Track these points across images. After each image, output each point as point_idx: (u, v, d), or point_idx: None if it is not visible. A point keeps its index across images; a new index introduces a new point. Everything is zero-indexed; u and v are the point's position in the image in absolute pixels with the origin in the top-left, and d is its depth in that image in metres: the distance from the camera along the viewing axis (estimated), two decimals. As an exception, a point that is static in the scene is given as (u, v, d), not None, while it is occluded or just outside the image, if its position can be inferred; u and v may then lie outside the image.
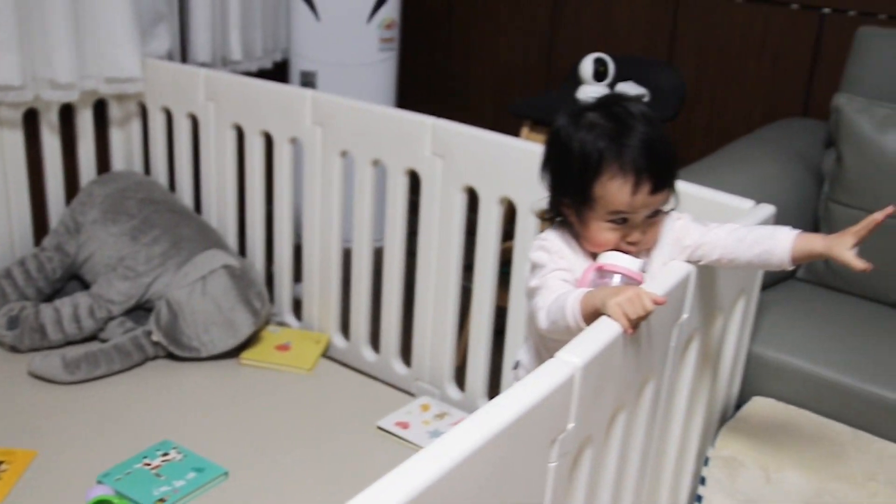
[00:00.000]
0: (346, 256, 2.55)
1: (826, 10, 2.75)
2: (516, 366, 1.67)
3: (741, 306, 1.78)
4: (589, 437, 1.23)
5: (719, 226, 1.49)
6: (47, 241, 2.70)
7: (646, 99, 2.63)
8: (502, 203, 2.16)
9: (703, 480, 1.79)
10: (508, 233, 2.21)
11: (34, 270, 2.64)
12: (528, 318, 1.55)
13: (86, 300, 2.54)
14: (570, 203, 1.46)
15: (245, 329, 2.49)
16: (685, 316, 1.48)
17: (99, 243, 2.63)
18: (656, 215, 1.44)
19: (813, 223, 2.28)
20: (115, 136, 2.91)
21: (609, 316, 1.25)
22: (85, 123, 2.82)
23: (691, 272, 1.45)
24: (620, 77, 2.65)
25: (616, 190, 1.39)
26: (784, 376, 1.93)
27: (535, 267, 1.49)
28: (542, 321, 1.40)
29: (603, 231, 1.43)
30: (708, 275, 1.53)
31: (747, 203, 1.77)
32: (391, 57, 3.22)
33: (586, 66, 2.56)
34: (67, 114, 2.79)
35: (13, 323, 2.48)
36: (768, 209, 1.76)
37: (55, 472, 2.05)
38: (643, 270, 1.41)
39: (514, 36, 3.49)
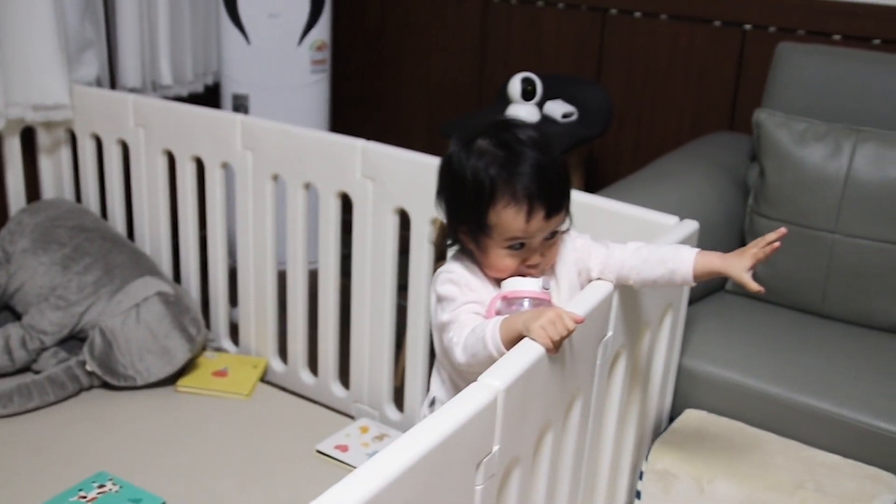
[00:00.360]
0: (282, 279, 2.54)
1: (747, 27, 2.81)
2: (432, 402, 1.63)
3: (669, 321, 1.81)
4: (516, 457, 1.24)
5: (622, 246, 1.51)
6: (-24, 273, 2.67)
7: (574, 117, 2.67)
8: (434, 224, 2.17)
9: (638, 494, 1.81)
10: (443, 251, 2.22)
11: (-37, 303, 2.60)
12: (440, 352, 1.55)
13: (17, 331, 2.51)
14: (467, 231, 1.47)
15: (181, 356, 2.47)
16: (610, 333, 1.50)
17: (30, 273, 2.60)
18: (554, 237, 1.46)
19: (739, 236, 2.32)
20: (45, 164, 2.88)
21: (533, 339, 1.26)
22: (13, 151, 2.78)
23: (614, 290, 1.47)
24: (548, 95, 2.68)
25: (511, 218, 1.41)
26: (715, 388, 1.97)
27: (443, 300, 1.49)
28: (460, 356, 1.40)
29: (502, 258, 1.44)
30: (632, 292, 1.56)
31: (671, 219, 1.81)
32: (323, 79, 3.23)
33: (514, 85, 2.59)
34: (-6, 142, 2.76)
35: (-58, 357, 2.44)
36: (692, 225, 1.79)
37: (-13, 509, 2.02)
38: (546, 288, 1.43)
39: (445, 56, 3.51)
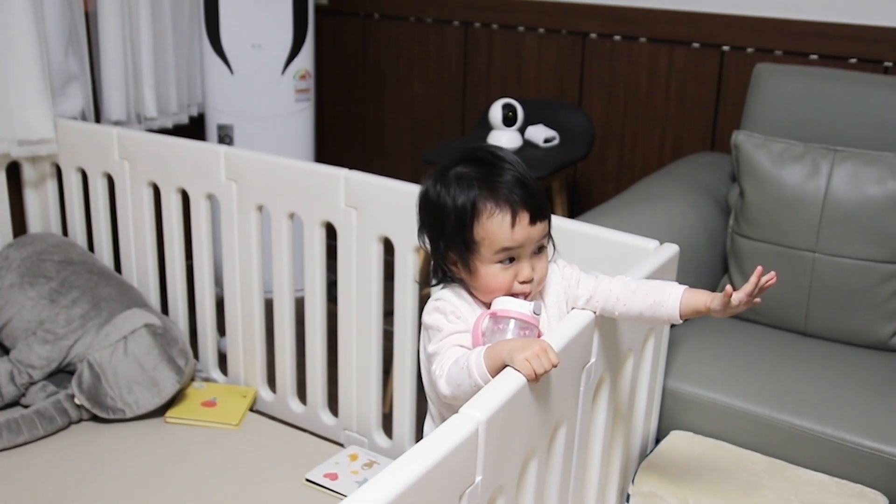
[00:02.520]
0: (269, 307, 2.55)
1: (725, 48, 2.85)
2: None
3: (651, 344, 1.83)
4: (500, 486, 1.25)
5: (609, 278, 1.52)
6: (-37, 308, 2.67)
7: (556, 141, 2.70)
8: (418, 252, 2.19)
9: (624, 517, 1.83)
10: (428, 279, 2.23)
11: (-49, 338, 2.60)
12: (427, 386, 1.55)
13: (5, 366, 2.51)
14: (455, 257, 1.47)
15: (169, 387, 2.47)
16: (593, 360, 1.52)
17: (17, 307, 2.60)
18: (541, 251, 1.47)
19: (721, 256, 2.35)
20: (30, 198, 2.89)
21: (516, 370, 1.27)
22: (-2, 186, 2.80)
23: (594, 318, 1.49)
24: (530, 121, 2.71)
25: (497, 227, 1.42)
26: (700, 409, 1.98)
27: (429, 329, 1.49)
28: (444, 388, 1.40)
29: (494, 274, 1.44)
30: (613, 318, 1.57)
31: (651, 243, 1.82)
32: (307, 107, 3.25)
33: (495, 111, 2.61)
34: (-20, 177, 2.76)
35: (-70, 394, 2.44)
36: (672, 249, 1.81)
37: (-24, 547, 2.02)
38: (536, 313, 1.43)
39: (427, 82, 3.54)
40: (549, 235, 1.49)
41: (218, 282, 2.72)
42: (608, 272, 1.79)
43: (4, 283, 2.65)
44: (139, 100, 3.12)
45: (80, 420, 2.49)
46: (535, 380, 1.27)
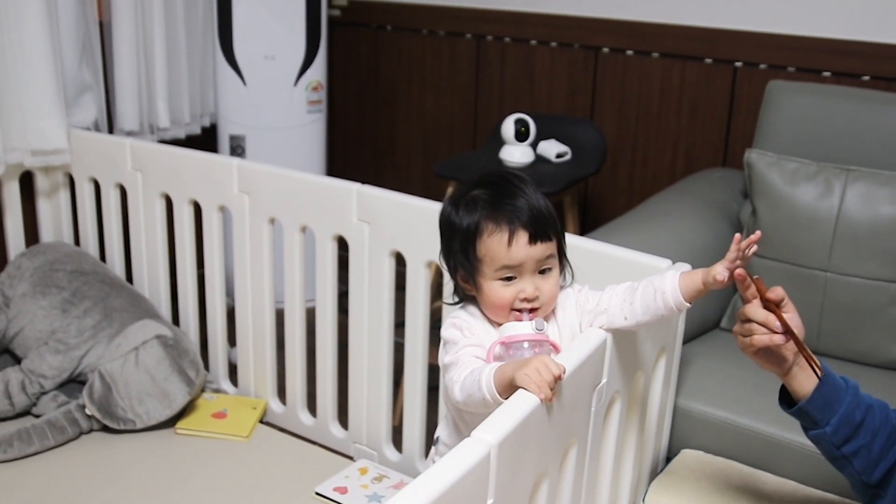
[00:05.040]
0: (280, 317, 2.56)
1: (738, 64, 2.85)
2: (436, 441, 1.71)
3: (663, 364, 1.82)
4: (511, 509, 1.26)
5: (614, 287, 1.56)
6: (-24, 317, 2.68)
7: (568, 156, 2.70)
8: (429, 267, 2.19)
9: (634, 536, 1.82)
10: (440, 289, 2.23)
11: (-37, 347, 2.62)
12: (443, 393, 1.61)
13: (17, 375, 2.52)
14: (464, 275, 1.55)
15: (180, 399, 2.48)
16: (604, 380, 1.52)
17: (29, 317, 2.61)
18: (546, 272, 1.51)
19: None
20: (43, 208, 2.90)
21: (523, 388, 1.30)
22: (12, 196, 2.81)
23: (607, 338, 1.49)
24: (542, 135, 2.71)
25: (495, 245, 1.48)
26: (711, 428, 1.98)
27: (447, 343, 1.55)
28: (458, 394, 1.44)
29: (496, 290, 1.50)
30: (625, 338, 1.57)
31: (664, 262, 1.82)
32: (319, 119, 3.26)
33: (508, 126, 2.62)
34: (-7, 187, 2.78)
35: (-58, 402, 2.45)
36: (684, 268, 1.80)
37: (-13, 558, 2.02)
38: (539, 329, 1.48)
39: (439, 95, 3.55)
40: (559, 257, 1.53)
41: (229, 293, 2.72)
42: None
43: (17, 293, 2.66)
44: (152, 110, 3.13)
45: (91, 430, 2.49)
46: (546, 396, 1.29)
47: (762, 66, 2.81)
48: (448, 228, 1.56)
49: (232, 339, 2.73)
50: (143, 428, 2.49)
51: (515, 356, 1.44)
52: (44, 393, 2.53)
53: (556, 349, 1.48)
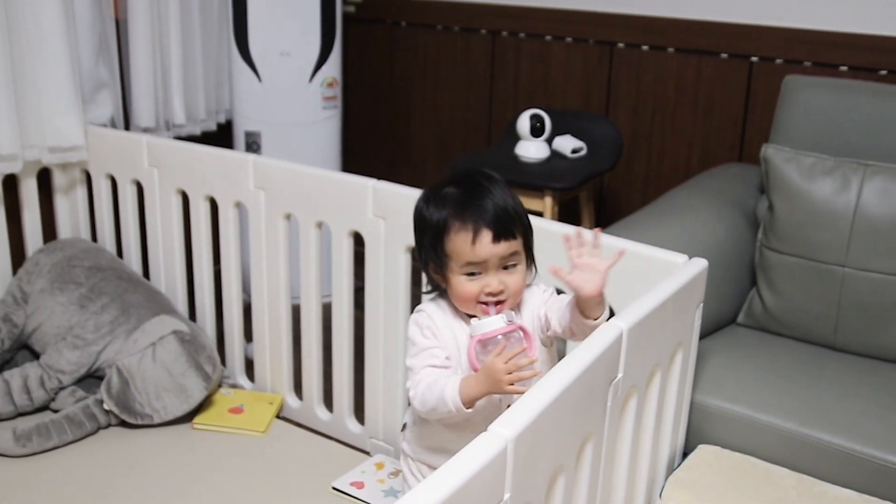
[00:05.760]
0: (296, 313, 2.56)
1: (754, 59, 2.84)
2: (404, 427, 1.81)
3: (680, 358, 1.82)
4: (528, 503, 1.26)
5: (565, 296, 1.63)
6: (-6, 313, 2.70)
7: (583, 152, 2.69)
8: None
9: (650, 531, 1.82)
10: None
11: (-19, 342, 2.63)
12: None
13: (35, 371, 2.53)
14: (434, 268, 1.64)
15: (197, 394, 2.49)
16: (620, 375, 1.52)
17: (47, 313, 2.63)
18: (512, 268, 1.59)
19: (749, 269, 2.34)
20: (61, 204, 2.91)
21: (509, 392, 1.48)
22: (29, 193, 2.82)
23: (622, 332, 1.49)
24: (557, 131, 2.70)
25: (461, 242, 1.57)
26: (728, 424, 1.98)
27: (408, 343, 1.66)
28: (417, 405, 1.57)
29: (462, 284, 1.59)
30: (642, 332, 1.57)
31: (680, 258, 1.82)
32: (334, 115, 3.26)
33: (523, 122, 2.62)
34: (11, 183, 2.79)
35: (-39, 397, 2.47)
36: (700, 263, 1.81)
37: (7, 551, 2.04)
38: (510, 320, 1.56)
39: (454, 91, 3.55)
40: (524, 255, 1.62)
41: (245, 288, 2.73)
42: (636, 286, 1.81)
43: (35, 289, 2.68)
44: (168, 107, 3.14)
45: (109, 425, 2.51)
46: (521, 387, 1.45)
47: (778, 61, 2.80)
48: (420, 223, 1.65)
49: (248, 335, 2.74)
50: (160, 423, 2.50)
51: (490, 350, 1.52)
52: (62, 388, 2.55)
53: (526, 334, 1.57)
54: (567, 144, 2.67)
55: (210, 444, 2.46)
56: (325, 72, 3.18)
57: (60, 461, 2.36)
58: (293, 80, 3.15)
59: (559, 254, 1.96)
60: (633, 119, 3.11)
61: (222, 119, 3.40)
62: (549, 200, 2.53)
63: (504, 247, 1.57)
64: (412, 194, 2.19)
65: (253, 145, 3.19)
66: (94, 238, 2.99)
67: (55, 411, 2.53)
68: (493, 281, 1.58)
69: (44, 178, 2.88)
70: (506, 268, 1.59)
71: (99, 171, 2.85)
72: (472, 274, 1.58)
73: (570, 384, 1.30)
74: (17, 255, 2.84)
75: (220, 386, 2.68)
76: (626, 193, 3.17)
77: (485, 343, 1.54)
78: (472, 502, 1.11)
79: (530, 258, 1.64)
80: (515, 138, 2.68)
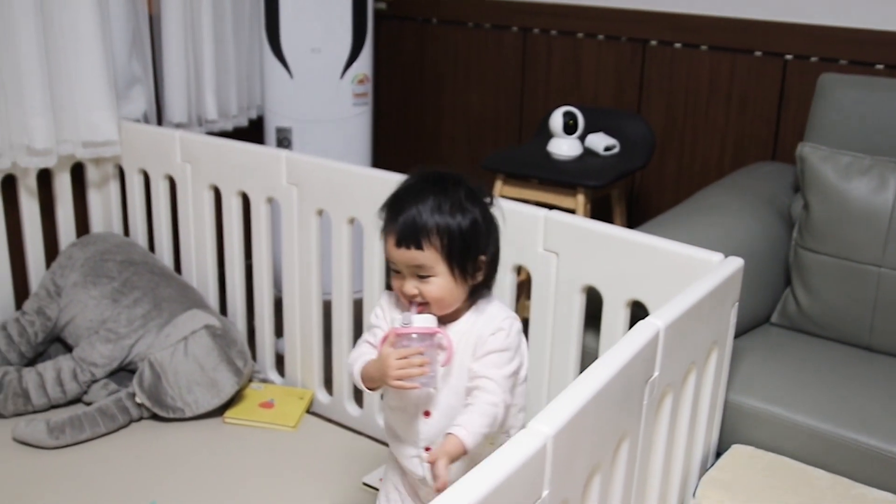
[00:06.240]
0: (327, 308, 2.57)
1: (789, 57, 2.82)
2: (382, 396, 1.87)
3: (715, 357, 1.81)
4: (565, 501, 1.25)
5: (486, 389, 1.56)
6: (28, 305, 2.72)
7: (616, 149, 2.68)
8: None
9: (683, 530, 1.81)
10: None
11: (16, 335, 2.65)
12: None
13: (68, 364, 2.55)
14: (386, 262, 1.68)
15: (228, 388, 2.50)
16: (656, 374, 1.51)
17: (80, 306, 2.65)
18: (425, 278, 1.58)
19: (783, 269, 2.32)
20: (94, 199, 2.93)
21: (395, 386, 1.55)
22: (63, 187, 2.84)
23: (659, 331, 1.48)
24: (590, 128, 2.69)
25: (383, 239, 1.62)
26: (762, 424, 1.96)
27: None
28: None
29: (392, 276, 1.64)
30: (678, 331, 1.56)
31: (716, 256, 1.81)
32: (365, 112, 3.27)
33: (556, 119, 2.61)
34: (45, 178, 2.81)
35: (-4, 389, 2.49)
36: (736, 263, 1.79)
37: (41, 542, 2.06)
38: (405, 323, 1.57)
39: (484, 88, 3.54)
40: (449, 269, 1.58)
41: (276, 284, 2.74)
42: (670, 285, 1.81)
43: (68, 282, 2.70)
44: (200, 102, 3.16)
45: (141, 418, 2.53)
46: (411, 384, 1.54)
47: (813, 59, 2.77)
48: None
49: (279, 330, 2.75)
50: (191, 417, 2.51)
51: (405, 345, 1.56)
52: (94, 381, 2.57)
53: (446, 352, 1.60)
54: (600, 142, 2.66)
55: (241, 439, 2.47)
56: (356, 68, 3.18)
57: (93, 453, 2.38)
58: (324, 76, 3.16)
59: (591, 253, 1.96)
60: (665, 117, 3.09)
61: (254, 115, 3.41)
62: (581, 198, 2.53)
63: (408, 255, 1.57)
64: (445, 191, 2.18)
65: (284, 141, 3.20)
66: (127, 232, 3.00)
67: (88, 404, 2.55)
68: (406, 284, 1.60)
69: (77, 172, 2.90)
70: (420, 276, 1.59)
71: (132, 166, 2.87)
72: (395, 271, 1.62)
73: (608, 382, 1.30)
74: (51, 248, 2.86)
75: (250, 381, 2.69)
76: (658, 192, 3.15)
77: (401, 337, 1.57)
78: (510, 499, 1.11)
79: (466, 276, 1.60)
80: (548, 135, 2.68)
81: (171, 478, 2.29)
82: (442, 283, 1.59)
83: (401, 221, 1.57)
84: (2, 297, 2.77)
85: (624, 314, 1.95)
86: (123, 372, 2.61)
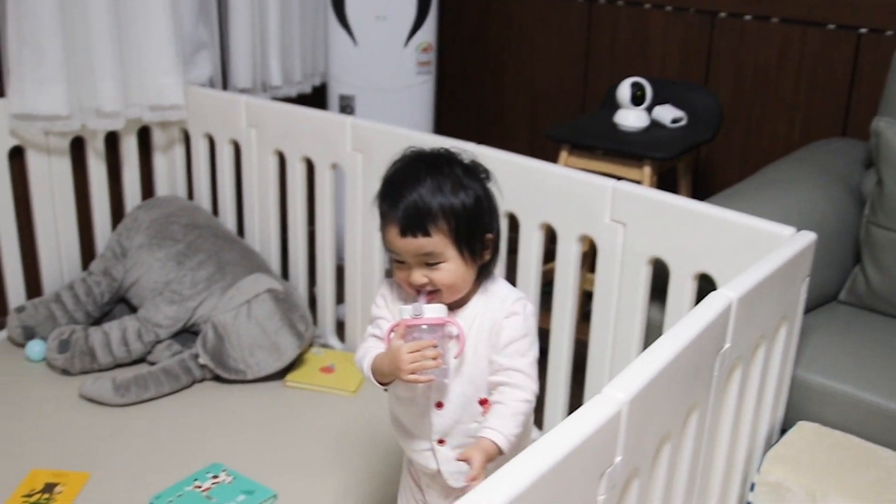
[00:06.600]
0: (389, 276, 2.57)
1: (863, 30, 2.76)
2: None
3: (784, 332, 1.79)
4: (636, 469, 1.25)
5: (513, 386, 1.51)
6: (94, 266, 2.76)
7: (683, 122, 2.65)
8: (542, 228, 2.18)
9: (747, 505, 1.80)
10: (550, 253, 2.22)
11: (83, 294, 2.70)
12: None
13: (133, 324, 2.59)
14: (385, 249, 1.56)
15: (290, 352, 2.53)
16: (727, 345, 1.50)
17: (145, 268, 2.68)
18: (434, 265, 1.49)
19: (853, 246, 2.28)
20: (159, 162, 2.97)
21: (408, 381, 1.47)
22: (129, 150, 2.88)
23: (732, 302, 1.47)
24: (657, 100, 2.66)
25: (384, 230, 1.52)
26: (829, 401, 1.94)
27: None
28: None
29: (395, 267, 1.54)
30: (750, 303, 1.55)
31: (787, 230, 1.78)
32: (428, 80, 3.26)
33: (623, 90, 2.58)
34: (112, 141, 2.85)
35: (64, 346, 2.53)
36: (808, 237, 1.77)
37: (108, 494, 2.09)
38: (417, 314, 1.49)
39: (548, 59, 3.51)
40: (458, 252, 1.50)
41: (338, 250, 2.76)
42: (739, 259, 1.79)
43: (134, 244, 2.73)
44: (265, 69, 3.17)
45: (203, 379, 2.56)
46: (425, 378, 1.46)
47: (888, 33, 2.71)
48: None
49: (340, 297, 2.76)
50: (252, 379, 2.54)
51: (416, 338, 1.48)
52: (158, 342, 2.61)
53: (459, 342, 1.52)
54: (667, 114, 2.63)
55: (301, 402, 2.50)
56: (420, 37, 3.17)
57: (156, 412, 2.42)
58: (388, 44, 3.15)
59: (659, 224, 1.94)
60: (733, 90, 3.04)
61: (317, 82, 3.42)
62: (647, 170, 2.50)
63: (413, 244, 1.48)
64: (510, 159, 2.18)
65: (347, 109, 3.20)
66: (191, 196, 3.04)
67: (151, 364, 2.59)
68: (415, 274, 1.50)
69: (143, 136, 2.93)
70: (428, 264, 1.50)
71: (197, 131, 2.89)
72: (398, 261, 1.52)
73: (681, 351, 1.29)
74: (117, 210, 2.91)
75: (311, 345, 2.71)
76: (722, 167, 3.11)
77: (412, 329, 1.49)
78: (584, 464, 1.11)
79: (475, 257, 1.53)
80: (614, 106, 2.65)
81: (233, 439, 2.32)
82: (452, 269, 1.50)
83: (402, 209, 1.47)
84: (69, 257, 2.82)
85: (691, 287, 1.94)
86: (186, 333, 2.65)
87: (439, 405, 1.56)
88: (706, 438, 1.54)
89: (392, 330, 1.53)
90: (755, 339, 1.65)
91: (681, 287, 1.95)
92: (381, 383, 1.56)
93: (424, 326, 1.48)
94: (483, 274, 1.57)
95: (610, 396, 1.15)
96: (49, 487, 2.09)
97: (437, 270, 1.49)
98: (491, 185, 1.58)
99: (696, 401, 1.44)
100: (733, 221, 1.85)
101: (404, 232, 1.47)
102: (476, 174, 1.56)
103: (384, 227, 1.51)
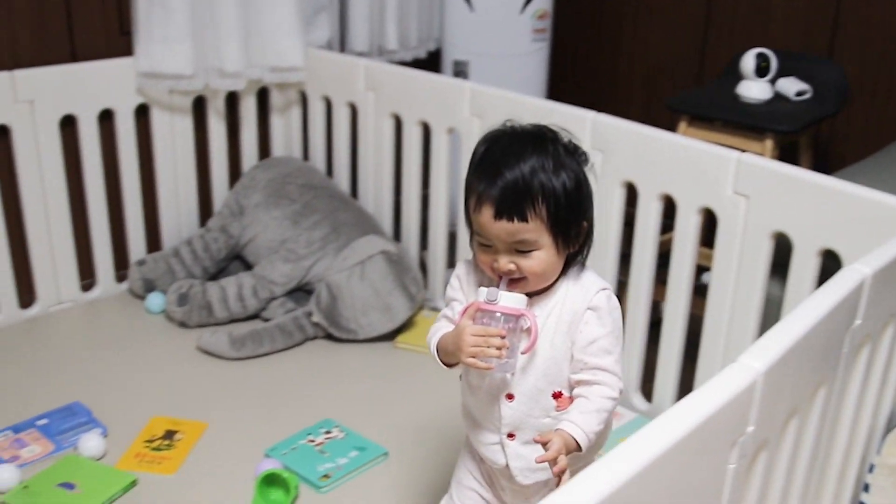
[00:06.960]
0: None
1: None
2: None
3: (913, 311, 1.75)
4: (765, 440, 1.24)
5: (604, 371, 1.44)
6: (212, 223, 2.84)
7: (807, 95, 2.59)
8: (661, 199, 2.16)
9: (866, 487, 1.77)
10: (668, 225, 2.20)
11: (200, 250, 2.77)
12: None
13: (249, 280, 2.66)
14: (469, 229, 1.47)
15: (402, 314, 2.56)
16: (858, 322, 1.47)
17: (262, 226, 2.74)
18: (527, 253, 1.40)
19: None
20: (276, 123, 3.02)
21: (465, 363, 1.40)
22: (248, 110, 2.94)
23: (866, 278, 1.44)
24: (781, 73, 2.61)
25: (471, 208, 1.42)
26: (952, 383, 1.89)
27: None
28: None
29: (479, 250, 1.44)
30: (884, 279, 1.51)
31: (919, 208, 1.74)
32: (543, 48, 3.24)
33: (748, 61, 2.53)
34: (232, 101, 2.91)
35: (183, 300, 2.61)
36: (944, 216, 1.72)
37: (225, 444, 2.16)
38: (491, 300, 1.40)
39: (665, 29, 3.46)
40: (553, 240, 1.40)
41: (451, 216, 2.77)
42: (867, 236, 1.75)
43: (251, 203, 2.80)
44: (382, 33, 3.20)
45: (315, 337, 2.61)
46: (487, 365, 1.39)
47: None
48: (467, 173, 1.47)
49: (451, 262, 2.78)
50: (364, 339, 2.59)
51: (486, 324, 1.40)
52: (273, 299, 2.67)
53: (530, 337, 1.42)
54: (791, 87, 2.57)
55: (411, 364, 2.53)
56: (536, 3, 3.15)
57: (270, 367, 2.49)
58: (505, 10, 3.14)
59: (784, 198, 1.91)
60: (859, 63, 2.95)
61: (432, 47, 3.43)
62: (769, 143, 2.45)
63: (507, 228, 1.38)
64: (632, 128, 2.16)
65: (461, 74, 3.21)
66: (306, 157, 3.09)
67: (266, 320, 2.66)
68: (501, 260, 1.40)
69: (262, 97, 2.98)
70: (519, 251, 1.40)
71: (315, 93, 2.93)
72: (482, 244, 1.42)
73: (815, 324, 1.27)
74: (235, 169, 2.97)
75: (422, 308, 2.74)
76: (846, 141, 3.03)
77: (484, 312, 1.40)
78: (717, 432, 1.10)
79: (569, 245, 1.43)
80: (737, 77, 2.60)
81: (344, 396, 2.37)
82: (544, 257, 1.40)
83: (500, 187, 1.36)
84: (188, 213, 2.90)
85: (815, 263, 1.90)
86: (300, 292, 2.70)
87: (510, 397, 1.48)
88: (831, 415, 1.52)
89: (465, 311, 1.45)
90: (885, 317, 1.61)
91: (804, 263, 1.92)
92: (446, 364, 1.50)
93: (499, 314, 1.39)
94: (570, 263, 1.47)
95: (747, 366, 1.14)
96: (169, 434, 2.17)
97: (527, 258, 1.40)
98: (587, 170, 1.46)
99: (825, 376, 1.42)
100: (863, 197, 1.81)
101: (499, 214, 1.37)
102: (576, 155, 1.45)
103: (475, 206, 1.40)
